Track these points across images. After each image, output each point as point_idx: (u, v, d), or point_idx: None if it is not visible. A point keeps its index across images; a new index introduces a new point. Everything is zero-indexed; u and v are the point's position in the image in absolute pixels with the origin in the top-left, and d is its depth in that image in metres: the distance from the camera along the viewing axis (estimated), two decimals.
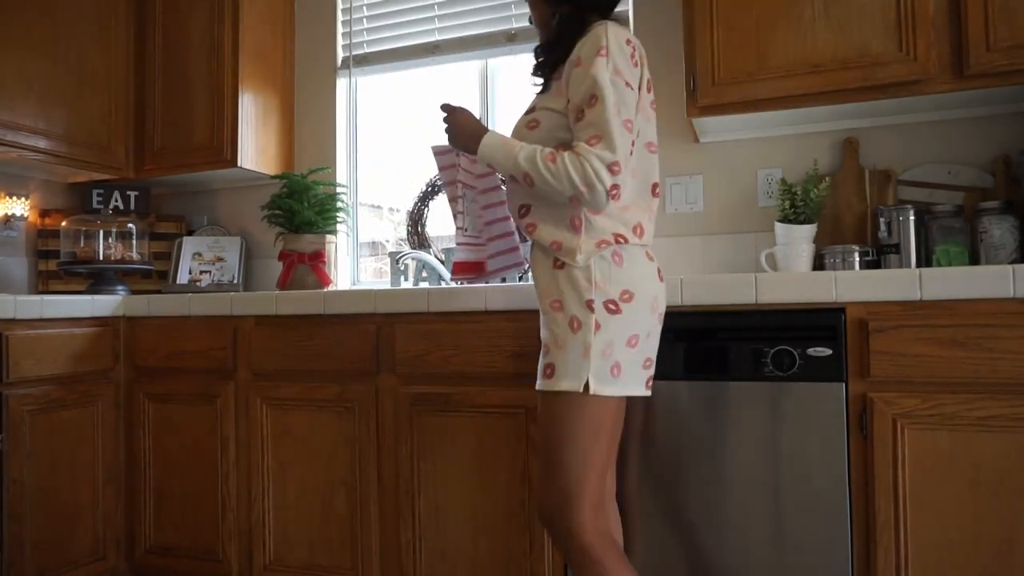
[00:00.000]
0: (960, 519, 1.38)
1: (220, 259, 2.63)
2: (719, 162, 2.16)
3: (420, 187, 2.58)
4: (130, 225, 2.56)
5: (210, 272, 2.60)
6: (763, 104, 1.84)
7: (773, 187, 2.08)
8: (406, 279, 2.39)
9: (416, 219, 2.56)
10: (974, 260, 1.79)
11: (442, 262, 2.36)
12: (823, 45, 1.77)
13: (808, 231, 1.87)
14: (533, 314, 1.69)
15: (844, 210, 1.98)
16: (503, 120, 2.56)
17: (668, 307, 1.57)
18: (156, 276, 2.69)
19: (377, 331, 1.86)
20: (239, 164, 2.44)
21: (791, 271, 1.84)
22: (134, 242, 2.55)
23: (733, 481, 1.53)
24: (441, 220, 2.64)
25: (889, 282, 1.43)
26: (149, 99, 2.59)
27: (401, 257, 2.32)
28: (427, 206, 2.57)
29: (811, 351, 1.49)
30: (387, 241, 2.93)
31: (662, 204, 2.22)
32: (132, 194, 2.71)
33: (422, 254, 2.30)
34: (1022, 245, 1.74)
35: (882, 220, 1.85)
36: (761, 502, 1.51)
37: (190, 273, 2.59)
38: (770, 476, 1.50)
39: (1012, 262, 1.73)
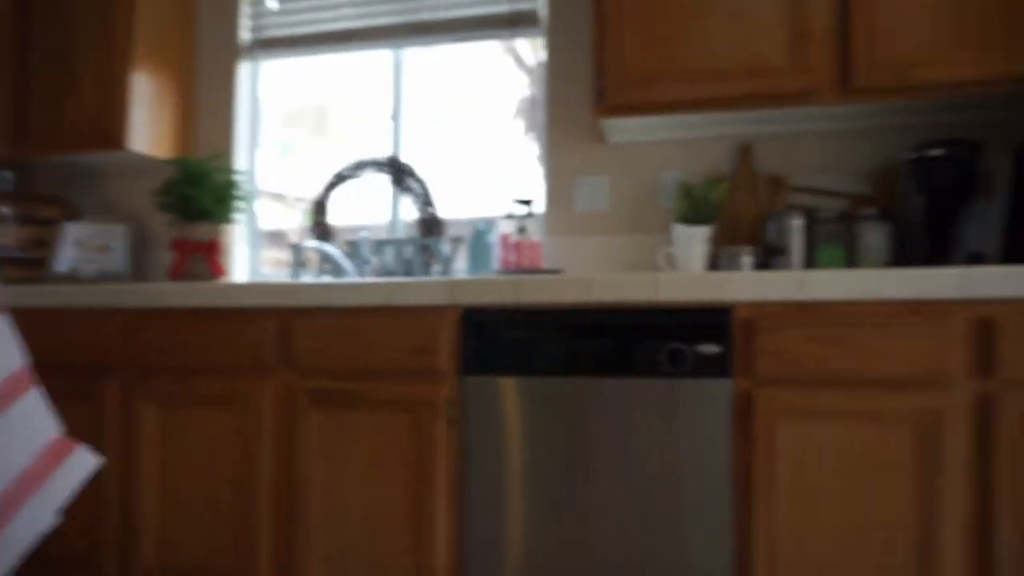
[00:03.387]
0: (828, 505, 1.48)
1: (106, 247, 2.47)
2: (625, 163, 2.21)
3: (325, 177, 2.51)
4: (3, 209, 2.36)
5: (94, 261, 2.44)
6: (668, 106, 1.89)
7: (674, 189, 2.14)
8: (307, 271, 2.33)
9: (319, 209, 2.49)
10: (852, 264, 1.91)
11: (346, 254, 2.31)
12: (727, 54, 1.84)
13: (704, 232, 1.94)
14: (436, 310, 1.68)
15: (738, 213, 2.06)
16: (413, 112, 2.53)
17: (570, 305, 1.60)
18: (32, 264, 2.50)
19: (274, 325, 1.80)
20: (129, 147, 2.30)
21: (688, 271, 1.90)
22: (8, 227, 2.36)
23: (626, 474, 1.57)
24: (346, 210, 2.58)
25: (775, 283, 1.51)
26: (30, 73, 2.40)
27: (302, 249, 2.25)
28: (330, 196, 2.50)
29: (703, 349, 1.54)
30: (291, 231, 2.85)
31: (569, 203, 2.25)
32: (8, 175, 2.51)
33: (324, 246, 2.24)
34: (895, 250, 1.87)
35: (771, 224, 1.94)
36: (651, 494, 1.55)
37: (72, 262, 2.42)
38: (662, 469, 1.55)
39: (885, 265, 1.85)
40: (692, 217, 1.95)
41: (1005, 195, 1.65)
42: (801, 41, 1.78)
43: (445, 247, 2.21)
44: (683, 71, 1.85)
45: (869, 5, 1.74)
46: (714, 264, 2.00)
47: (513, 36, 2.35)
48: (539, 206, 2.28)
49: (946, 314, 1.45)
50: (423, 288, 1.68)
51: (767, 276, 1.51)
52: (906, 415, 1.46)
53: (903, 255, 1.85)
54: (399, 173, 2.43)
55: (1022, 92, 1.71)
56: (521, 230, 2.12)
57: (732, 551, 1.52)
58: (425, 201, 2.40)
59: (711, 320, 1.54)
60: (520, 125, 2.76)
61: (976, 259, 1.66)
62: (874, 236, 1.87)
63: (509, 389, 1.64)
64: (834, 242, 1.91)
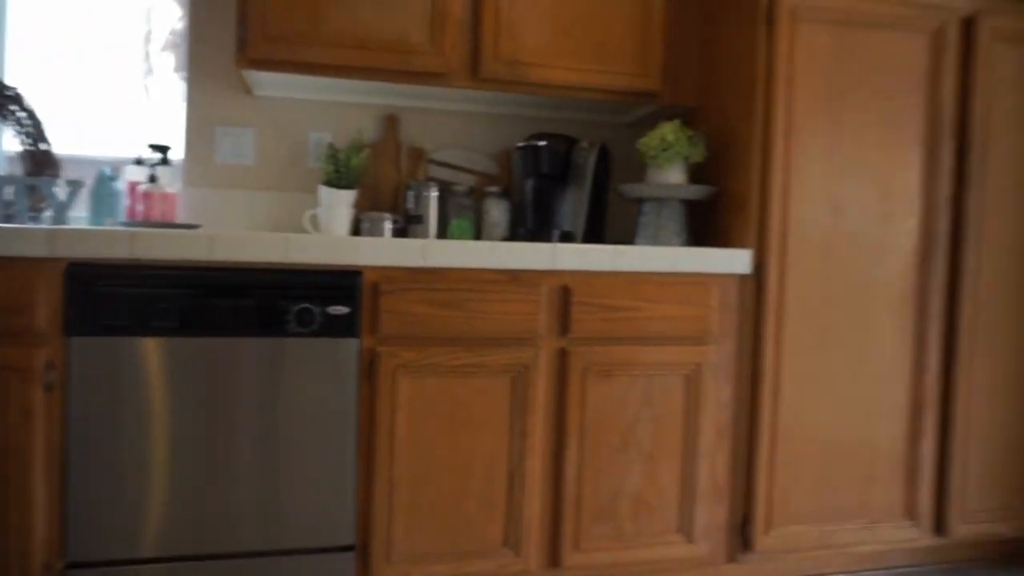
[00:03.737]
0: (439, 449, 1.68)
1: None
2: (272, 118, 2.16)
3: None
4: None
5: None
6: (312, 68, 1.89)
7: (322, 150, 2.16)
8: None
9: None
10: (478, 235, 2.15)
11: None
12: (370, 24, 1.89)
13: (348, 196, 2.00)
14: (32, 263, 1.48)
15: (383, 180, 2.17)
16: (25, 29, 2.14)
17: (196, 262, 1.54)
18: None
19: None
20: None
21: (326, 234, 1.96)
22: None
23: (264, 431, 1.59)
24: None
25: (400, 249, 1.64)
26: None
27: None
28: None
29: (331, 309, 1.62)
30: None
31: (211, 153, 2.13)
32: None
33: None
34: (512, 224, 2.15)
35: (411, 193, 2.08)
36: (288, 448, 1.60)
37: None
38: (296, 424, 1.60)
39: (504, 238, 2.12)
40: (337, 181, 1.99)
41: (590, 184, 2.01)
42: (440, 25, 1.92)
43: (59, 190, 1.94)
44: (328, 35, 1.87)
45: (495, 4, 1.94)
46: (358, 228, 2.08)
47: None
48: (178, 153, 2.12)
49: (538, 283, 1.72)
50: (14, 236, 1.47)
51: (393, 243, 1.64)
52: (504, 368, 1.71)
53: (517, 229, 2.14)
54: None
55: (609, 100, 2.08)
56: (152, 179, 1.95)
57: (356, 496, 1.64)
58: (34, 133, 2.06)
59: (341, 282, 1.62)
60: (168, 61, 2.52)
61: (567, 237, 2.00)
62: (497, 211, 2.12)
63: (131, 350, 1.52)
64: (465, 214, 2.13)
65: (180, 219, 2.07)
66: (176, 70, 2.49)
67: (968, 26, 1.95)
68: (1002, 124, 1.98)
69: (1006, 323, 2.01)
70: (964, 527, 2.01)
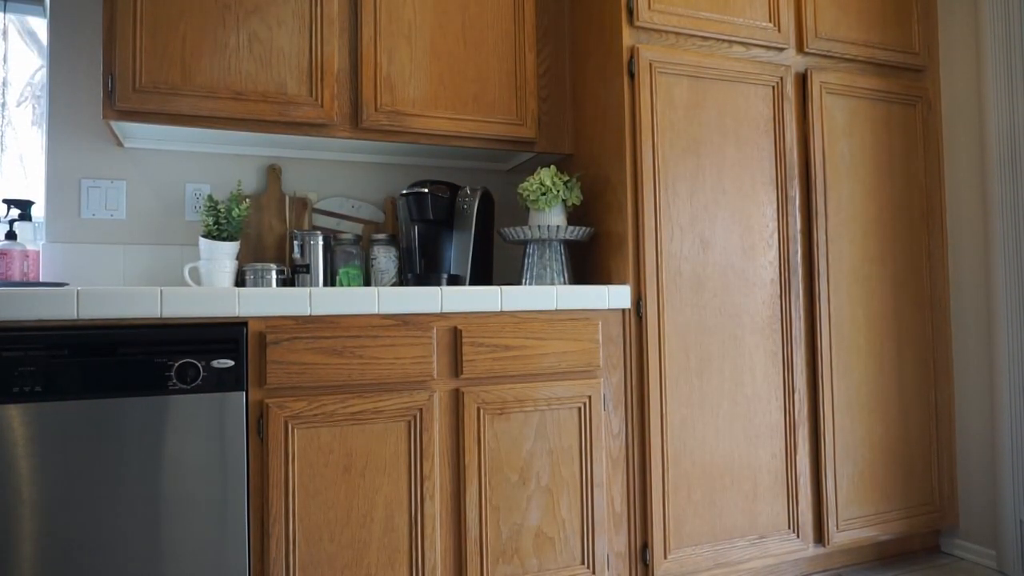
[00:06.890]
0: (337, 499, 1.63)
1: None
2: (145, 170, 2.09)
3: None
4: None
5: None
6: (186, 120, 1.85)
7: (201, 202, 2.11)
8: None
9: None
10: (368, 281, 2.14)
11: None
12: (246, 75, 1.88)
13: (231, 248, 1.95)
14: None
15: (267, 231, 2.14)
16: None
17: (62, 321, 1.45)
18: None
19: None
20: None
21: (208, 286, 1.89)
22: None
23: (149, 494, 1.48)
24: None
25: (285, 299, 1.61)
26: None
27: None
28: None
29: (215, 363, 1.56)
30: None
31: (76, 208, 2.02)
32: None
33: None
34: (401, 270, 2.16)
35: (296, 243, 2.06)
36: (176, 510, 1.50)
37: None
38: (184, 484, 1.51)
39: (393, 284, 2.13)
40: (218, 233, 1.94)
41: (474, 228, 2.06)
42: (318, 77, 1.94)
43: None
44: (202, 86, 1.84)
45: (374, 58, 1.99)
46: (242, 279, 2.03)
47: (5, 10, 2.02)
48: (40, 209, 2.00)
49: (428, 326, 1.74)
50: None
51: (277, 292, 1.61)
52: (399, 413, 1.70)
53: (405, 275, 2.16)
54: None
55: (488, 148, 2.16)
56: (10, 236, 1.83)
57: (250, 556, 1.56)
58: None
59: (224, 335, 1.57)
60: (26, 114, 2.40)
61: (455, 280, 2.03)
62: (385, 258, 2.13)
63: None
64: (353, 262, 2.12)
65: (45, 278, 1.93)
66: (35, 123, 2.37)
67: (803, 81, 2.19)
68: (838, 165, 2.22)
69: (856, 344, 2.22)
70: (841, 535, 2.15)
